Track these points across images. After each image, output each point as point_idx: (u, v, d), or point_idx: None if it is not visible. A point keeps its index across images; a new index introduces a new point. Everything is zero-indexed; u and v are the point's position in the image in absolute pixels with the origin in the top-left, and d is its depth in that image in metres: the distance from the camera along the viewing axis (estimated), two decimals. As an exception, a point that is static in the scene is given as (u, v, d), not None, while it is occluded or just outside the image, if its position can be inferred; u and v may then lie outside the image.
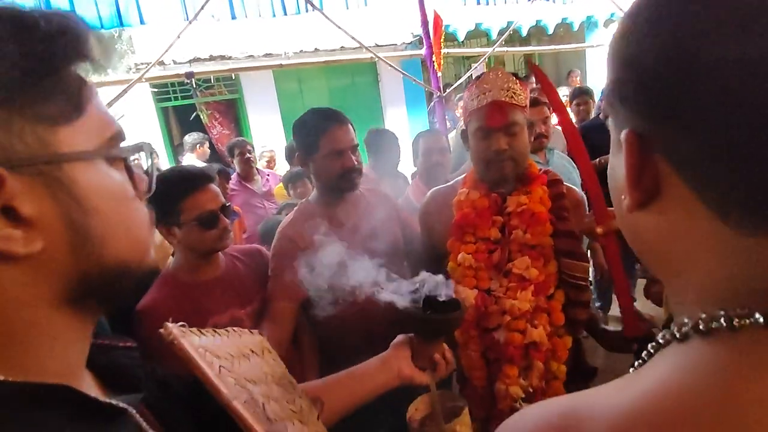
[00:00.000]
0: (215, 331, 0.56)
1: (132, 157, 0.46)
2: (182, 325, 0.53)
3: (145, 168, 0.48)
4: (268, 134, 5.97)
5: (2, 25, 0.37)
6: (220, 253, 1.46)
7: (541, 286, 1.30)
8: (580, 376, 1.46)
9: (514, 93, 1.30)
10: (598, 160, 3.07)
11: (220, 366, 0.51)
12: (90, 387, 0.47)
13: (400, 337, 0.98)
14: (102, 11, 3.77)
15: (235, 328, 0.64)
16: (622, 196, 0.38)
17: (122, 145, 0.45)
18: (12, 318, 0.39)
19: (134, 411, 0.46)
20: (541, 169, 1.41)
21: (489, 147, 1.31)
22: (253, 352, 0.63)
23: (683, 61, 0.31)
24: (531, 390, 1.29)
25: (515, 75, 1.37)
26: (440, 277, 0.98)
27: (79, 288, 0.41)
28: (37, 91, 0.38)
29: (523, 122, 1.32)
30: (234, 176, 3.67)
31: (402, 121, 6.81)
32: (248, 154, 3.68)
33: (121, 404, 0.44)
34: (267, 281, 1.51)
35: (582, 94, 3.91)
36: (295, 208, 1.63)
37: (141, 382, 0.50)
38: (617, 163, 0.39)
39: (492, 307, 1.31)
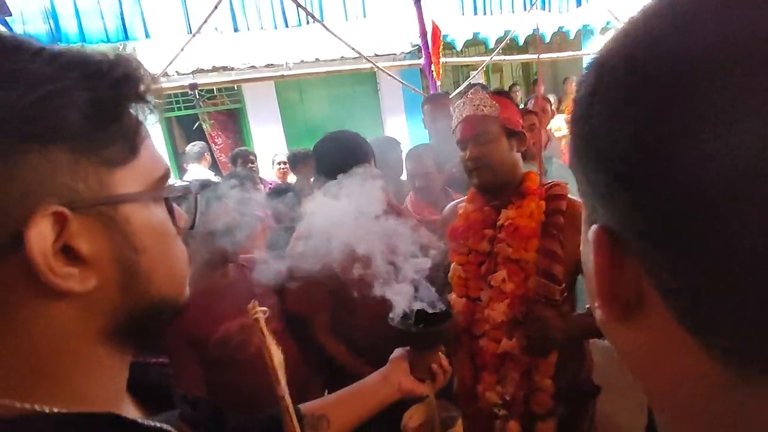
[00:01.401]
0: (274, 336, 0.66)
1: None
2: (264, 310, 0.61)
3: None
4: (270, 143, 6.05)
5: (71, 71, 0.39)
6: (230, 263, 1.53)
7: (519, 299, 1.33)
8: (580, 394, 1.47)
9: (485, 106, 1.37)
10: None
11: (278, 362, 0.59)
12: (130, 410, 0.49)
13: (397, 351, 0.98)
14: (108, 25, 3.86)
15: (276, 343, 0.71)
16: (595, 303, 0.30)
17: (170, 184, 0.48)
18: (61, 351, 0.40)
19: (173, 426, 0.48)
20: (547, 183, 1.43)
21: (465, 157, 1.40)
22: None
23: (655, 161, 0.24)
24: (507, 398, 1.34)
25: (497, 92, 1.44)
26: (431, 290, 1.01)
27: (125, 323, 0.43)
28: (104, 136, 0.40)
29: (496, 131, 1.37)
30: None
31: (401, 129, 6.89)
32: (251, 164, 3.76)
33: (164, 426, 0.46)
34: (274, 289, 1.57)
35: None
36: None
37: (175, 399, 0.53)
38: (587, 257, 0.31)
39: (478, 316, 1.38)
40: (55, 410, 0.39)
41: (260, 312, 0.58)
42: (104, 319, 0.42)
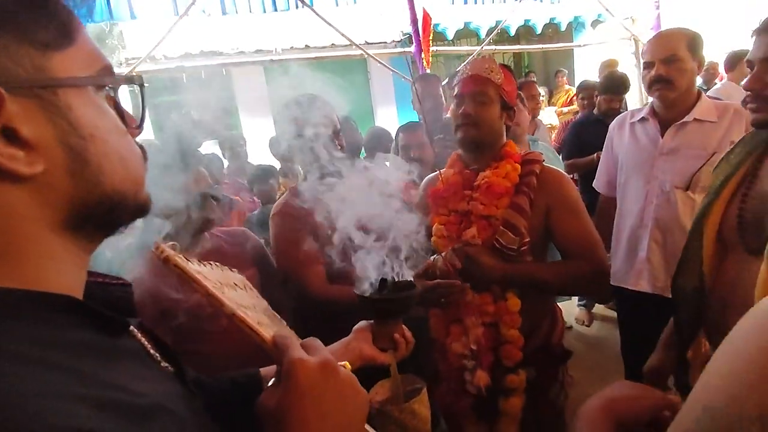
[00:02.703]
0: (200, 261, 0.61)
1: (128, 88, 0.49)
2: (172, 245, 0.57)
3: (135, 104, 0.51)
4: (259, 129, 6.01)
5: None
6: (206, 233, 1.53)
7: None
8: (549, 357, 1.50)
9: (491, 71, 1.43)
10: (594, 155, 3.10)
11: (212, 286, 0.56)
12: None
13: (361, 323, 0.99)
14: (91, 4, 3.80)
15: (217, 263, 0.69)
16: None
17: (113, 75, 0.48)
18: (17, 234, 0.41)
19: (135, 328, 0.50)
20: (526, 153, 1.50)
21: (457, 111, 1.45)
22: (236, 285, 0.68)
23: None
24: (473, 347, 1.38)
25: (505, 66, 1.48)
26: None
27: (78, 213, 0.44)
28: (31, 17, 0.41)
29: (494, 97, 1.43)
30: (225, 168, 3.72)
31: (392, 118, 6.88)
32: (240, 148, 3.74)
33: (125, 319, 0.48)
34: (252, 259, 1.59)
35: (587, 88, 3.95)
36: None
37: (136, 315, 0.53)
38: None
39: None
40: (12, 287, 0.40)
41: (167, 248, 0.52)
42: (58, 206, 0.43)
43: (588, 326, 3.62)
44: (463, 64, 1.54)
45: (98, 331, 0.44)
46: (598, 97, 3.53)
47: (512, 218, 1.37)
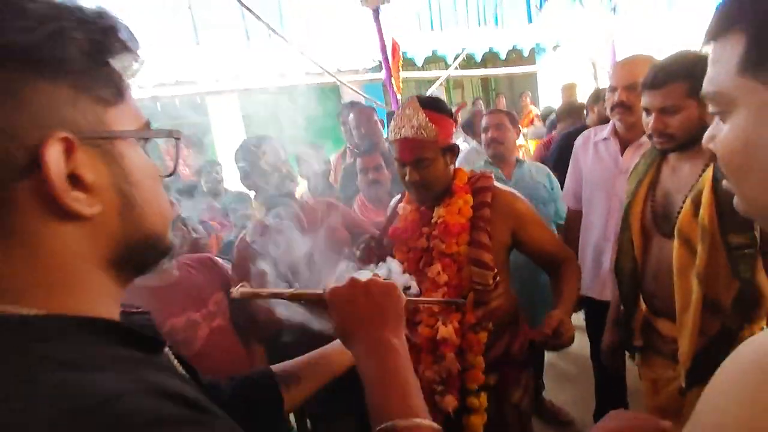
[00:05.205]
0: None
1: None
2: (242, 286, 0.80)
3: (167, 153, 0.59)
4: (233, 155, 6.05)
5: (69, 14, 0.44)
6: (173, 261, 1.60)
7: (454, 290, 1.49)
8: (511, 363, 1.61)
9: (424, 130, 1.44)
10: None
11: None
12: None
13: None
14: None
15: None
16: None
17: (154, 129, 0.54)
18: (71, 269, 0.46)
19: (168, 349, 0.56)
20: (474, 175, 1.59)
21: (404, 176, 1.52)
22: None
23: None
24: (444, 376, 1.49)
25: (431, 104, 1.49)
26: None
27: (122, 251, 0.49)
28: (98, 75, 0.46)
29: (434, 155, 1.47)
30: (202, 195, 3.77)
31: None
32: (216, 174, 3.82)
33: (162, 339, 0.53)
34: (219, 284, 1.68)
35: (600, 99, 4.03)
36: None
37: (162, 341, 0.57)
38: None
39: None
40: (59, 313, 0.44)
41: (237, 290, 0.82)
42: (106, 245, 0.48)
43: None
44: (396, 114, 1.52)
45: (140, 349, 0.49)
46: (558, 124, 3.78)
47: (478, 255, 1.48)
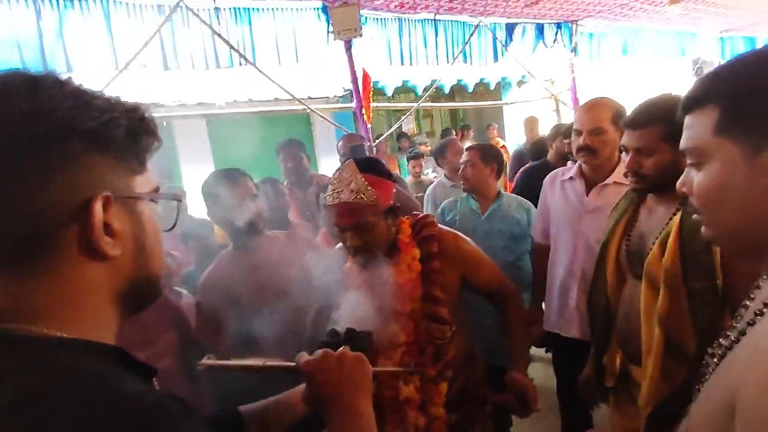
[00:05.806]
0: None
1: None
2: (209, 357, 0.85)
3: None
4: (200, 182, 5.91)
5: (118, 106, 0.58)
6: None
7: (412, 346, 1.47)
8: (469, 401, 1.60)
9: (363, 194, 1.38)
10: None
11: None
12: None
13: None
14: (25, 54, 3.65)
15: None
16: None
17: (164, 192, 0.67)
18: (88, 301, 0.56)
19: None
20: (418, 218, 1.57)
21: (344, 241, 1.47)
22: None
23: None
24: None
25: (367, 165, 1.46)
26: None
27: (129, 289, 0.60)
28: (131, 151, 0.60)
29: (375, 218, 1.41)
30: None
31: (335, 166, 7.00)
32: (179, 201, 3.69)
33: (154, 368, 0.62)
34: (171, 323, 1.61)
35: (559, 135, 4.02)
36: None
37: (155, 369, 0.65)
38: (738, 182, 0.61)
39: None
40: (76, 336, 0.53)
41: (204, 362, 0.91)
42: (119, 281, 0.59)
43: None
44: (333, 177, 1.48)
45: (140, 374, 0.58)
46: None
47: (434, 311, 1.47)
